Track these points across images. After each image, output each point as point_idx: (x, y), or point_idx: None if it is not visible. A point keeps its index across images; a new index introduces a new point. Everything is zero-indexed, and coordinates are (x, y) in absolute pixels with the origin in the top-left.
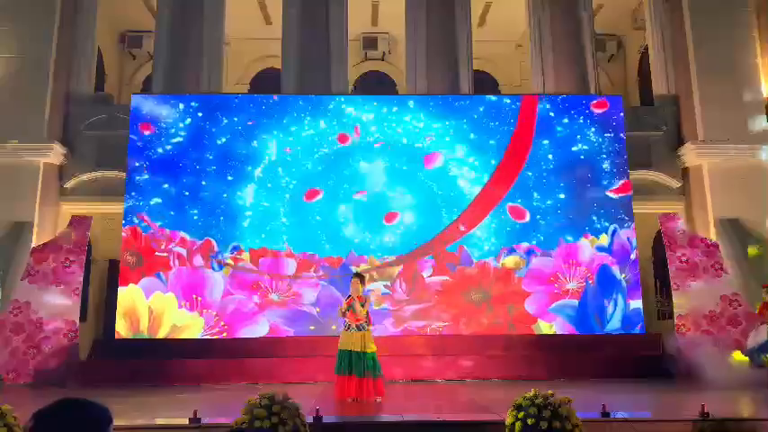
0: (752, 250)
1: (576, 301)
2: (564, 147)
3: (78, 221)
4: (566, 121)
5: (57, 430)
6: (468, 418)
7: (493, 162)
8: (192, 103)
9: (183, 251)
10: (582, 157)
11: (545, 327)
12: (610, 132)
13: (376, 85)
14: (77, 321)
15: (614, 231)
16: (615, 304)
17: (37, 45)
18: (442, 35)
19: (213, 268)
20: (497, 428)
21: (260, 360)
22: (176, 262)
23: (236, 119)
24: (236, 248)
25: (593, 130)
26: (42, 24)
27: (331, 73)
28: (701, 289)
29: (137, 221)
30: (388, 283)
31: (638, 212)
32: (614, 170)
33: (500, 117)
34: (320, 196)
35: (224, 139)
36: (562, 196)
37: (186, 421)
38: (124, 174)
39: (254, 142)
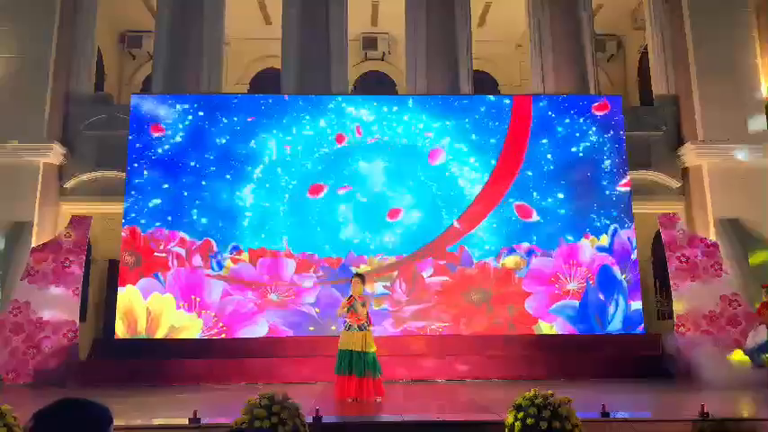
0: (755, 258)
1: (576, 302)
2: (564, 147)
3: (78, 221)
4: (566, 121)
5: (57, 430)
6: (468, 418)
7: (492, 162)
8: (192, 104)
9: (183, 251)
10: (582, 156)
11: (546, 327)
12: (610, 132)
13: (376, 85)
14: (77, 321)
15: (615, 231)
16: (616, 305)
17: (37, 45)
18: (441, 35)
19: (213, 268)
20: (497, 428)
21: (260, 360)
22: (175, 262)
23: (235, 119)
24: (235, 248)
25: (592, 130)
26: (42, 24)
27: (331, 73)
28: (701, 289)
29: (136, 221)
30: (388, 284)
31: (638, 212)
32: (614, 170)
33: (500, 117)
34: (326, 191)
35: (224, 139)
36: (562, 196)
37: (186, 421)
38: (124, 174)
39: (254, 142)
